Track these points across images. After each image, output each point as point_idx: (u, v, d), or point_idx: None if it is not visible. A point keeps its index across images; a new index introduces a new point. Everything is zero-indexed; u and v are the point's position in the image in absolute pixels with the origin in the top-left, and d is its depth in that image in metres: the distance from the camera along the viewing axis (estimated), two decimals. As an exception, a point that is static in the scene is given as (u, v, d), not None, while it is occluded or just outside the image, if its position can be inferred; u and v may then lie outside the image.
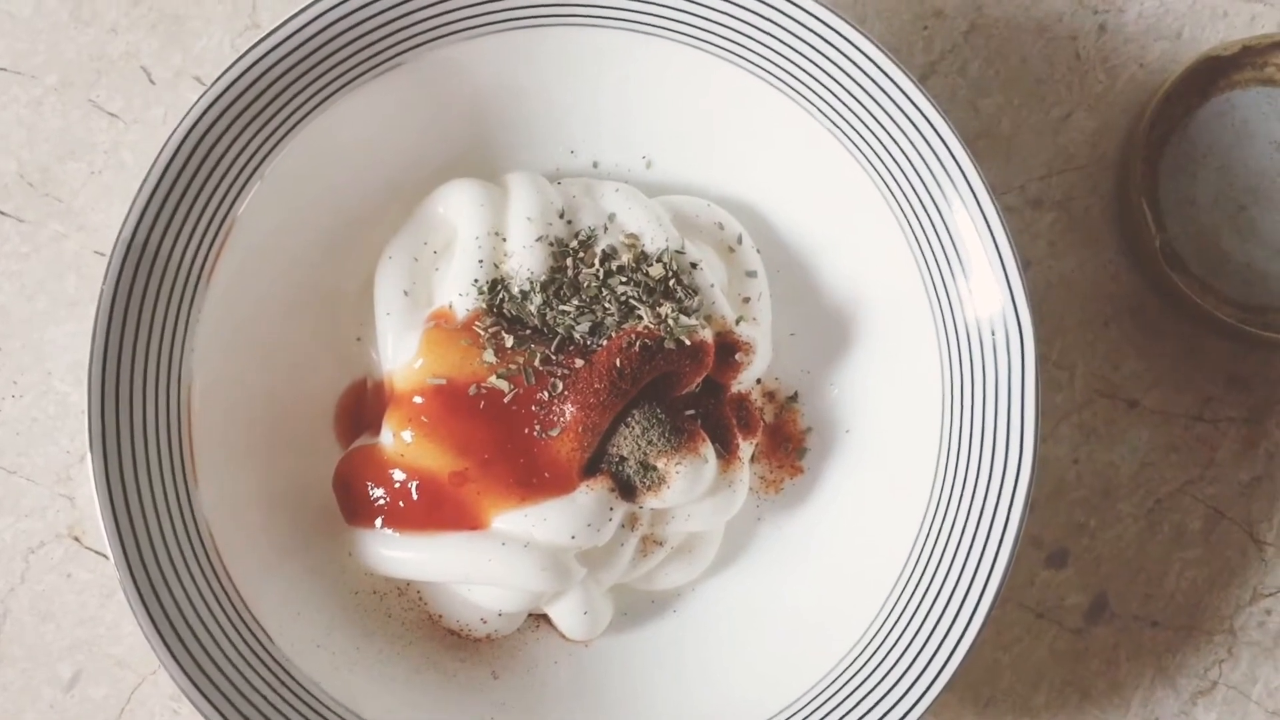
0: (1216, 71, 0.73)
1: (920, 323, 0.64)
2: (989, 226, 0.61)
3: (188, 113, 0.61)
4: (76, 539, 0.71)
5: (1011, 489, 0.61)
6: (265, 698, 0.59)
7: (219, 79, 0.61)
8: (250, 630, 0.61)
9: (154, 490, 0.60)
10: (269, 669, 0.60)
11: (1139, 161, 0.72)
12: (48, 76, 0.73)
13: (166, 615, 0.58)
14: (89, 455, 0.58)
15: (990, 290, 0.62)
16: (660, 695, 0.66)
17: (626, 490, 0.63)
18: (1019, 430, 0.61)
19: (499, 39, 0.65)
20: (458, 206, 0.66)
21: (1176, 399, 0.74)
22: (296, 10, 0.62)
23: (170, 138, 0.60)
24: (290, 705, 0.60)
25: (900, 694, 0.62)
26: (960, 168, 0.62)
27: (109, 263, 0.59)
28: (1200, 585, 0.73)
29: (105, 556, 0.71)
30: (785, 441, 0.70)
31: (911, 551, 0.64)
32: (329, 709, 0.61)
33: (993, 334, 0.62)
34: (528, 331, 0.63)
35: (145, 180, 0.60)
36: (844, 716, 0.62)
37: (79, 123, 0.73)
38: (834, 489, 0.69)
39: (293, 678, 0.60)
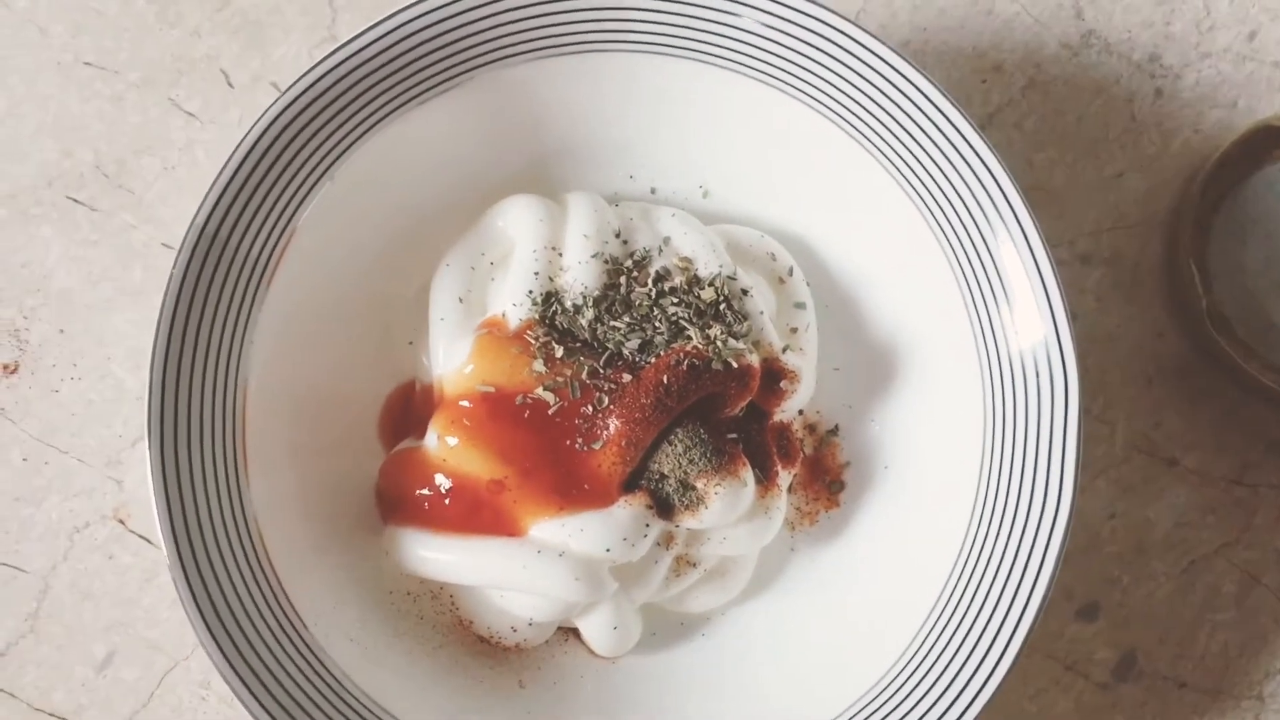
0: (1270, 141, 0.74)
1: (965, 363, 0.65)
2: (1035, 262, 0.62)
3: (263, 114, 0.63)
4: (122, 521, 0.73)
5: (1049, 529, 0.61)
6: (296, 683, 0.60)
7: (294, 84, 0.63)
8: (287, 618, 0.61)
9: (206, 478, 0.61)
10: (302, 656, 0.61)
11: (1189, 224, 0.73)
12: (130, 73, 0.75)
13: (210, 598, 0.59)
14: (145, 440, 0.60)
15: (1034, 324, 0.62)
16: (680, 716, 0.66)
17: (664, 508, 0.64)
18: (1059, 472, 0.61)
19: (566, 62, 0.67)
20: (517, 220, 0.67)
21: (1216, 461, 0.74)
22: (372, 23, 0.64)
23: (246, 136, 0.62)
24: (320, 692, 0.60)
25: (922, 733, 0.62)
26: (1014, 211, 0.62)
27: (179, 249, 0.61)
28: (1231, 649, 0.73)
29: (148, 540, 0.72)
30: (824, 474, 0.70)
31: (942, 592, 0.64)
32: (357, 700, 0.61)
33: (1036, 373, 0.62)
34: (578, 344, 0.65)
35: (220, 173, 0.62)
36: (864, 752, 0.62)
37: (157, 120, 0.75)
38: (869, 525, 0.69)
39: (324, 666, 0.61)
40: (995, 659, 0.61)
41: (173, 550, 0.59)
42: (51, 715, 0.71)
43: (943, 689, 0.62)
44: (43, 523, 0.72)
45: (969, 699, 0.61)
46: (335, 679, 0.61)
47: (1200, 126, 0.76)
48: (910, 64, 0.64)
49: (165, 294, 0.61)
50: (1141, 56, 0.77)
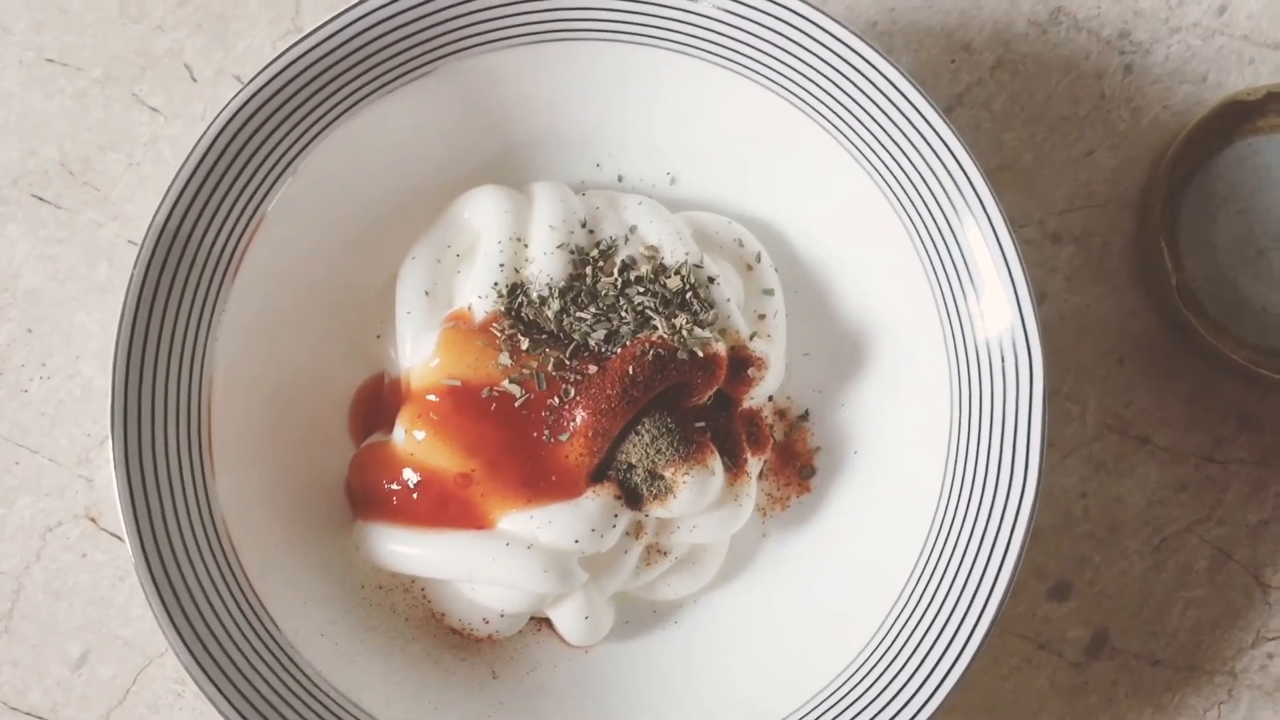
0: (1240, 116, 0.74)
1: (932, 346, 0.65)
2: (1000, 247, 0.62)
3: (225, 106, 0.62)
4: (93, 520, 0.73)
5: (1015, 510, 0.62)
6: (268, 682, 0.60)
7: (256, 76, 0.63)
8: (257, 616, 0.62)
9: (171, 475, 0.61)
10: (273, 655, 0.61)
11: (1160, 201, 0.73)
12: (93, 69, 0.75)
13: (177, 598, 0.60)
14: (110, 438, 0.60)
15: (1000, 309, 0.62)
16: (654, 703, 0.67)
17: (633, 498, 0.64)
18: (1024, 454, 0.62)
19: (531, 51, 0.67)
20: (483, 211, 0.67)
21: (1187, 438, 0.74)
22: (334, 14, 0.63)
23: (207, 129, 0.62)
24: (291, 691, 0.61)
25: (893, 713, 0.62)
26: (978, 195, 0.62)
27: (140, 247, 0.61)
28: (1203, 626, 0.73)
29: (120, 539, 0.72)
30: (794, 459, 0.71)
31: (912, 573, 0.64)
32: (329, 697, 0.62)
33: (1002, 356, 0.62)
34: (544, 336, 0.65)
35: (181, 169, 0.62)
36: (834, 734, 0.63)
37: (121, 115, 0.75)
38: (840, 509, 0.69)
39: (295, 664, 0.62)
40: (965, 638, 0.62)
41: (138, 549, 0.59)
42: (28, 715, 0.72)
43: (914, 668, 0.62)
44: (15, 523, 0.73)
45: (939, 678, 0.62)
46: (307, 676, 0.62)
47: (1170, 102, 0.76)
48: (874, 48, 0.63)
49: (127, 291, 0.61)
50: (1111, 33, 0.76)
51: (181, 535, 0.61)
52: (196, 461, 0.62)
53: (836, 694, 0.64)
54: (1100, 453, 0.74)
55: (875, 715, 0.62)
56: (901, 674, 0.63)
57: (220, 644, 0.60)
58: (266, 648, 0.61)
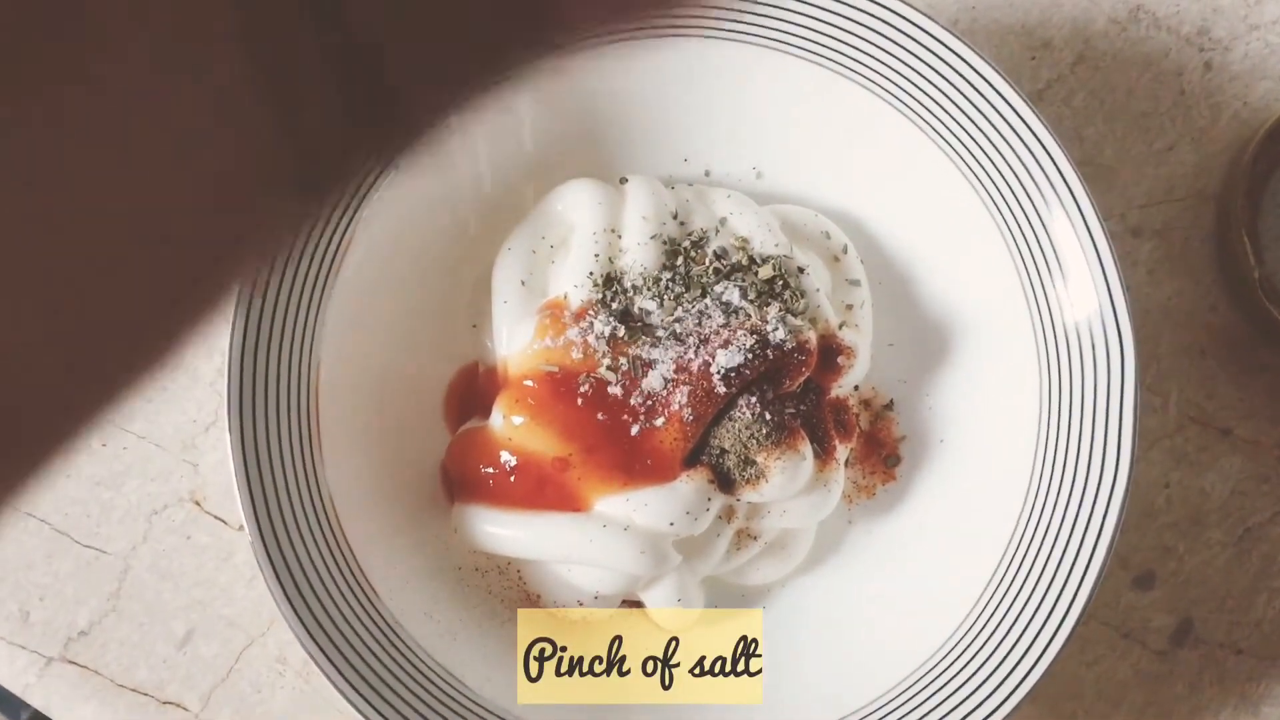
0: (1321, 111, 0.74)
1: (1020, 337, 0.66)
2: (1088, 230, 0.63)
3: (328, 106, 0.64)
4: (198, 504, 0.75)
5: (1107, 498, 0.62)
6: (376, 656, 0.62)
7: (358, 77, 0.64)
8: (365, 594, 0.63)
9: (283, 459, 0.63)
10: (380, 630, 0.63)
11: (1240, 195, 0.73)
12: (196, 70, 0.78)
13: (292, 576, 0.61)
14: (223, 421, 0.62)
15: (1088, 292, 0.63)
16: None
17: (725, 483, 0.65)
18: (1116, 442, 0.62)
19: (618, 49, 0.68)
20: (576, 204, 0.69)
21: (1270, 430, 0.74)
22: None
23: (312, 128, 0.64)
24: (398, 664, 0.62)
25: (977, 703, 0.63)
26: (1067, 183, 0.63)
27: (252, 239, 0.63)
28: (1288, 616, 0.74)
29: (224, 521, 0.75)
30: (880, 448, 0.71)
31: (1000, 562, 0.65)
32: (433, 671, 0.63)
33: (1092, 344, 0.63)
34: (638, 324, 0.66)
35: (289, 165, 0.64)
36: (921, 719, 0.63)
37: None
38: (926, 497, 0.70)
39: (400, 638, 0.63)
40: (1054, 628, 0.62)
41: (254, 527, 0.61)
42: (135, 691, 0.74)
43: (1000, 658, 0.63)
44: (122, 506, 0.75)
45: (1026, 668, 0.62)
46: (411, 650, 0.63)
47: (1249, 99, 0.77)
48: (962, 40, 0.64)
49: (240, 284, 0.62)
50: (1190, 30, 0.77)
51: (295, 516, 0.62)
52: (306, 446, 0.64)
53: (922, 680, 0.64)
54: (1183, 444, 0.75)
55: (962, 702, 0.63)
56: (989, 663, 0.63)
57: (330, 617, 0.61)
58: (374, 623, 0.63)
